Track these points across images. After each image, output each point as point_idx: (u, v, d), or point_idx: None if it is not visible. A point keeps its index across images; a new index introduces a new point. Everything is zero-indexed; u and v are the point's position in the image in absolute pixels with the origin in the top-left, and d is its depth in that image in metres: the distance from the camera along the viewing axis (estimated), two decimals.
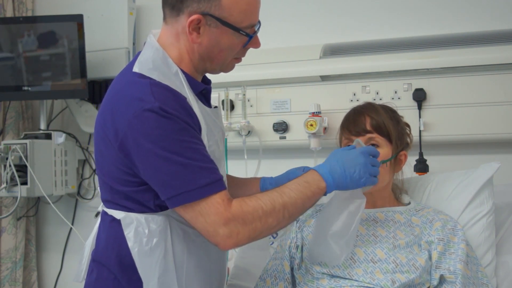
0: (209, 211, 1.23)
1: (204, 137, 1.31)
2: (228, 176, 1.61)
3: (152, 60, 1.31)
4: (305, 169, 1.51)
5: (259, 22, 1.37)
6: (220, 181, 1.25)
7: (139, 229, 1.32)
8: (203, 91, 1.39)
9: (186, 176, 1.22)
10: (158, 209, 1.33)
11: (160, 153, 1.22)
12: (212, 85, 2.32)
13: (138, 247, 1.32)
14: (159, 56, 1.32)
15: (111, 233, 1.37)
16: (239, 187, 1.61)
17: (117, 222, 1.35)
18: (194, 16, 1.27)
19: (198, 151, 1.25)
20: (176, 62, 1.34)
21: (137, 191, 1.32)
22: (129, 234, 1.32)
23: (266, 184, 1.62)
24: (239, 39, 1.34)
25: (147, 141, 1.22)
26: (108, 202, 1.39)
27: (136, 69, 1.30)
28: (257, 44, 1.39)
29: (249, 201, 1.25)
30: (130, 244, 1.32)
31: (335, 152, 1.39)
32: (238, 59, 1.43)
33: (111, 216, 1.37)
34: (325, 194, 1.35)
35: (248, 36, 1.34)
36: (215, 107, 1.46)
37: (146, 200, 1.32)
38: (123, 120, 1.25)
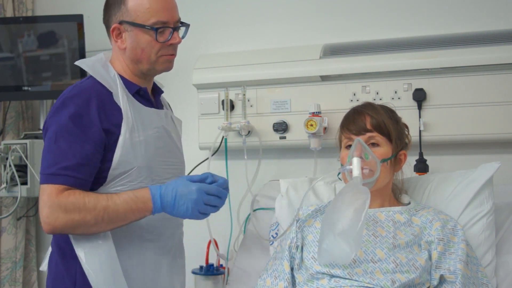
0: (44, 194, 1.38)
1: (124, 127, 1.45)
2: None
3: (92, 64, 1.54)
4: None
5: (179, 21, 1.55)
6: (63, 176, 1.37)
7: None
8: (140, 92, 1.54)
9: (47, 161, 1.40)
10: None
11: (48, 134, 1.43)
12: (212, 85, 2.34)
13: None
14: (100, 63, 1.55)
15: None
16: None
17: None
18: (113, 26, 1.51)
19: (70, 144, 1.40)
20: (118, 70, 1.55)
21: None
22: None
23: None
24: (152, 36, 1.50)
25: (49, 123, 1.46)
26: None
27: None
28: (175, 40, 1.53)
29: (78, 194, 1.38)
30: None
31: (181, 178, 1.45)
32: (169, 56, 1.55)
33: None
34: (153, 213, 1.43)
35: (153, 30, 1.48)
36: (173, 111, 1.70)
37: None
38: None
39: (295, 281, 1.55)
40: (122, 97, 1.48)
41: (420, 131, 2.03)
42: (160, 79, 2.57)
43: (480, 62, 1.97)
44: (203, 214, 1.44)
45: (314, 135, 2.10)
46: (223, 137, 2.24)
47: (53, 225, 1.36)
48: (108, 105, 1.45)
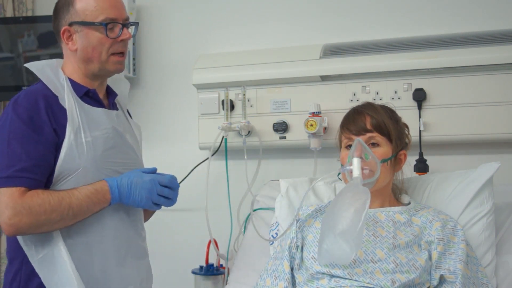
0: (4, 197, 1.39)
1: (69, 128, 1.47)
2: None
3: (42, 67, 1.57)
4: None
5: (128, 19, 1.58)
6: (21, 178, 1.39)
7: None
8: (89, 94, 1.57)
9: (1, 165, 1.42)
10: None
11: (0, 138, 1.44)
12: (212, 85, 2.34)
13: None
14: (50, 67, 1.57)
15: None
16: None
17: None
18: (63, 29, 1.54)
19: (23, 145, 1.41)
20: (69, 74, 1.57)
21: None
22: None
23: None
24: (102, 33, 1.53)
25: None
26: None
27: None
28: (125, 35, 1.56)
29: (42, 194, 1.40)
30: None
31: (134, 170, 1.54)
32: (119, 57, 1.58)
33: None
34: (111, 204, 1.49)
35: (103, 26, 1.51)
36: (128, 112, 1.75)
37: None
38: None
39: (295, 281, 1.55)
40: (68, 100, 1.50)
41: (420, 131, 2.03)
42: (160, 79, 2.58)
43: (480, 62, 1.97)
44: (156, 205, 1.54)
45: (314, 135, 2.10)
46: (223, 137, 2.24)
47: (17, 226, 1.38)
48: (55, 107, 1.48)
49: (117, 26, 1.55)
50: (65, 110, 1.49)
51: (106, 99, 1.66)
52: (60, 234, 1.46)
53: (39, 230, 1.43)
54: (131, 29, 1.63)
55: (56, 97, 1.50)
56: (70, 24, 1.53)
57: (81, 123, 1.50)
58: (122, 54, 1.58)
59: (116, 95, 1.70)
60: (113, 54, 1.56)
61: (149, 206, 1.53)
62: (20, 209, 1.37)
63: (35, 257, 1.46)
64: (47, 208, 1.39)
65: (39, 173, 1.43)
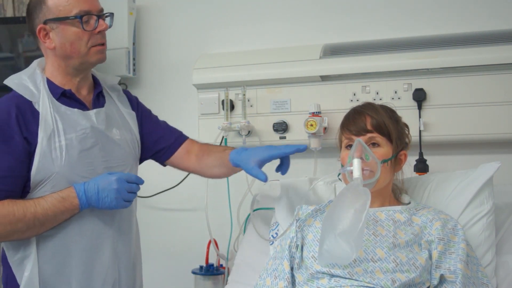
0: None
1: (41, 134, 1.47)
2: (198, 144, 1.84)
3: (18, 76, 1.56)
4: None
5: (102, 10, 1.57)
6: None
7: None
8: (66, 95, 1.56)
9: None
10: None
11: None
12: (212, 85, 2.34)
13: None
14: (27, 74, 1.57)
15: None
16: (208, 155, 1.77)
17: None
18: (38, 27, 1.53)
19: None
20: (49, 75, 1.57)
21: None
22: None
23: (236, 157, 1.68)
24: (78, 27, 1.52)
25: None
26: None
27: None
28: (101, 26, 1.55)
29: (7, 205, 1.43)
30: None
31: (103, 174, 1.53)
32: (99, 46, 1.57)
33: None
34: (80, 209, 1.50)
35: (77, 19, 1.50)
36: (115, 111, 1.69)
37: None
38: None
39: (295, 280, 1.55)
40: (42, 103, 1.51)
41: (420, 131, 2.03)
42: (160, 79, 2.57)
43: (480, 62, 1.97)
44: (128, 202, 1.54)
45: (314, 135, 2.10)
46: (223, 137, 2.24)
47: None
48: (28, 114, 1.49)
49: (92, 18, 1.54)
50: (38, 114, 1.50)
51: (90, 94, 1.64)
52: (35, 238, 1.50)
53: (10, 238, 1.48)
54: (107, 21, 1.60)
55: (30, 102, 1.50)
56: (45, 22, 1.52)
57: (56, 126, 1.50)
58: (102, 44, 1.57)
59: (100, 87, 1.68)
60: (93, 46, 1.55)
61: (122, 205, 1.53)
62: None
63: (12, 259, 1.52)
64: (12, 219, 1.42)
65: (8, 184, 1.46)
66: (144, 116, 1.80)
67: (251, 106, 2.24)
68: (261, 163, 1.62)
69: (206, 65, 2.30)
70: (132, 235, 1.70)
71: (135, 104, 1.80)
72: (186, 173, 2.31)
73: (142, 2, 2.49)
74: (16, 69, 2.40)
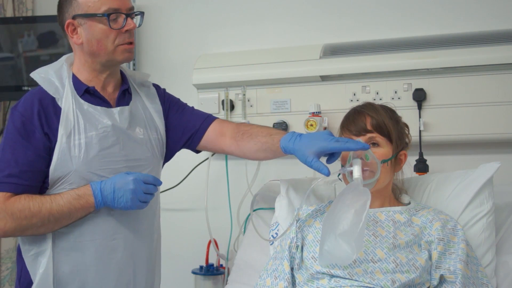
0: None
1: (61, 131, 1.48)
2: (232, 125, 1.72)
3: (45, 70, 1.57)
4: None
5: (133, 9, 1.55)
6: (7, 184, 1.44)
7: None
8: (90, 92, 1.56)
9: None
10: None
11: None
12: (212, 85, 2.34)
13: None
14: (55, 68, 1.57)
15: None
16: (249, 138, 1.65)
17: None
18: (67, 22, 1.52)
19: (13, 151, 1.45)
20: (76, 69, 1.58)
21: None
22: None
23: (289, 145, 1.55)
24: (105, 24, 1.50)
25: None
26: None
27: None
28: (129, 25, 1.53)
29: (24, 200, 1.44)
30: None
31: (120, 173, 1.52)
32: (127, 45, 1.55)
33: None
34: (96, 208, 1.49)
35: (105, 17, 1.49)
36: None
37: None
38: None
39: (295, 281, 1.55)
40: (66, 100, 1.51)
41: (420, 131, 2.03)
42: (160, 79, 2.58)
43: (480, 62, 1.97)
44: (144, 203, 1.51)
45: None
46: None
47: (3, 230, 1.44)
48: (50, 110, 1.49)
49: (120, 17, 1.51)
50: (55, 110, 1.49)
51: (116, 91, 1.62)
52: (52, 235, 1.49)
53: (25, 233, 1.47)
54: (137, 19, 1.58)
55: (53, 98, 1.51)
56: (74, 17, 1.52)
57: (77, 124, 1.50)
58: (130, 43, 1.55)
59: (127, 85, 1.65)
60: (120, 44, 1.53)
61: (137, 206, 1.50)
62: (4, 214, 1.42)
63: (27, 254, 1.51)
64: (27, 214, 1.43)
65: (28, 179, 1.45)
66: (171, 107, 1.74)
67: (251, 106, 2.24)
68: (320, 155, 1.46)
69: (206, 65, 2.30)
70: (153, 239, 1.68)
71: (162, 97, 1.76)
72: (186, 173, 2.31)
73: (142, 2, 2.49)
74: (16, 69, 2.41)
